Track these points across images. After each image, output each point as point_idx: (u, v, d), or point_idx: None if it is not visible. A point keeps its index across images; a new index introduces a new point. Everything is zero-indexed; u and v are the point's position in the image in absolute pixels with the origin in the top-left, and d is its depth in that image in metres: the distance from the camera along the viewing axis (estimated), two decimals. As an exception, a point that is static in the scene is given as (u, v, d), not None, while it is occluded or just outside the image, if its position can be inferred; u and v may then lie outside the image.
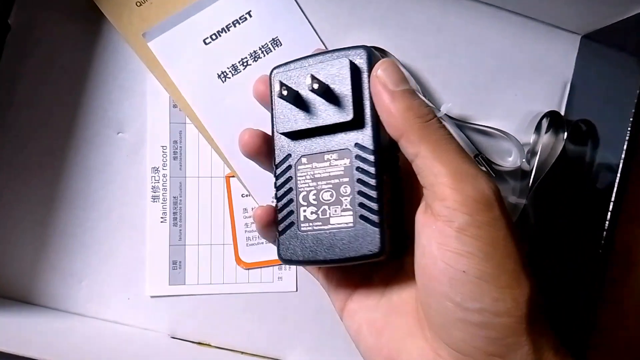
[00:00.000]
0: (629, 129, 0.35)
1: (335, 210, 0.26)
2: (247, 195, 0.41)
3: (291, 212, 0.27)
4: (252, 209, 0.41)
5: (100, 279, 0.40)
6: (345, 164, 0.26)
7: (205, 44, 0.40)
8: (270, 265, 0.40)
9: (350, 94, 0.25)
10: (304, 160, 0.27)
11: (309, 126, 0.26)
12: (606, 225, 0.35)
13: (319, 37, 0.40)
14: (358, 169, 0.25)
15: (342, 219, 0.26)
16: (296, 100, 0.26)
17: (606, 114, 0.38)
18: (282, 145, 0.27)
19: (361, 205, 0.25)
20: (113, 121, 0.40)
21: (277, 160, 0.27)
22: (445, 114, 0.40)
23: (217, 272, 0.40)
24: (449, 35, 0.41)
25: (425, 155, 0.24)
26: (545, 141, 0.40)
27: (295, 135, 0.27)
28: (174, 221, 0.40)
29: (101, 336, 0.39)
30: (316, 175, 0.26)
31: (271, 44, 0.40)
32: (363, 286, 0.29)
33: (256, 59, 0.40)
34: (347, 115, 0.25)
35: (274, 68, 0.28)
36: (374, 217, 0.25)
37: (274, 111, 0.27)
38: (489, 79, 0.41)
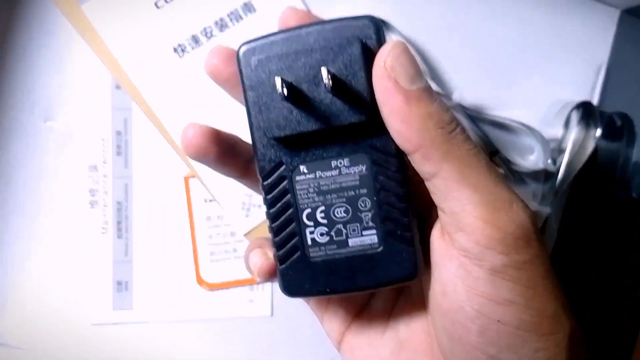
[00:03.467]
0: None
1: (354, 230, 0.24)
2: (211, 200, 0.37)
3: (293, 235, 0.24)
4: (219, 217, 0.37)
5: (27, 305, 0.37)
6: (360, 171, 0.23)
7: (157, 7, 0.36)
8: (240, 286, 0.38)
9: (366, 88, 0.22)
10: (303, 169, 0.24)
11: (315, 128, 0.23)
12: None
13: (304, 2, 0.37)
14: (379, 176, 0.23)
15: (364, 239, 0.24)
16: (296, 97, 0.23)
17: None
18: (270, 151, 0.24)
19: (387, 220, 0.23)
20: (39, 106, 0.37)
21: (265, 170, 0.24)
22: (458, 103, 0.36)
23: (173, 295, 0.37)
24: (464, 3, 0.37)
25: (449, 176, 0.21)
26: (575, 137, 0.37)
27: (292, 140, 0.24)
28: (118, 232, 0.37)
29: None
30: (323, 187, 0.24)
31: (242, 9, 0.37)
32: (363, 314, 0.27)
33: (222, 28, 0.37)
34: (361, 115, 0.22)
35: (245, 44, 0.23)
36: (406, 234, 0.23)
37: (256, 106, 0.23)
38: (509, 59, 0.38)
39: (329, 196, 0.24)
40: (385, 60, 0.21)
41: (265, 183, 0.24)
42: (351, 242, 0.24)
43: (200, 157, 0.26)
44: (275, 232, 0.25)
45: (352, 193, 0.24)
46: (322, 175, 0.24)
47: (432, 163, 0.21)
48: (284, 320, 0.38)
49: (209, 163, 0.26)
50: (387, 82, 0.21)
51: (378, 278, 0.24)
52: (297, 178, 0.24)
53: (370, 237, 0.24)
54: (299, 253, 0.24)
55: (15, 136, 0.36)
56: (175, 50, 0.36)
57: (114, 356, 0.37)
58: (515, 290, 0.21)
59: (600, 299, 0.35)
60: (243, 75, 0.24)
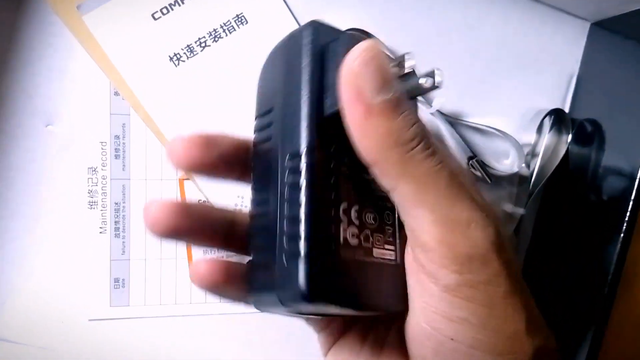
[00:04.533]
0: None
1: (379, 240, 0.21)
2: (204, 201, 0.37)
3: (328, 223, 0.19)
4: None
5: (26, 299, 0.36)
6: None
7: (154, 18, 0.36)
8: (232, 283, 0.36)
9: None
10: (347, 159, 0.21)
11: None
12: (620, 239, 0.33)
13: (293, 15, 0.37)
14: None
15: (386, 252, 0.22)
16: None
17: (616, 113, 0.37)
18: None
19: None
20: (40, 111, 0.37)
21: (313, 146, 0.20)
22: (438, 110, 0.37)
23: (168, 292, 0.37)
24: (442, 17, 0.38)
25: (405, 194, 0.20)
26: (547, 142, 0.38)
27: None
28: (116, 232, 0.37)
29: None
30: (361, 184, 0.21)
31: (235, 21, 0.37)
32: (352, 328, 0.26)
33: (216, 39, 0.37)
34: None
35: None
36: None
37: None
38: (486, 70, 0.38)
39: (364, 198, 0.21)
40: (353, 62, 0.19)
41: (311, 156, 0.20)
42: (375, 251, 0.21)
43: (170, 236, 0.22)
44: (309, 218, 0.19)
45: (381, 204, 0.22)
46: (363, 175, 0.21)
47: (389, 179, 0.20)
48: (277, 315, 0.38)
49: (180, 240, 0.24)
50: (350, 90, 0.19)
51: (394, 301, 0.21)
52: (342, 168, 0.21)
53: (390, 252, 0.22)
54: (331, 247, 0.19)
55: (17, 140, 0.36)
56: (171, 59, 0.36)
57: (110, 350, 0.37)
58: (470, 308, 0.20)
59: (570, 295, 0.35)
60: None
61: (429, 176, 0.20)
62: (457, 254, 0.19)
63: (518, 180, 0.38)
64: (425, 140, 0.20)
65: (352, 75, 0.19)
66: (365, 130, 0.19)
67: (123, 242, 0.37)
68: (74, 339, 0.37)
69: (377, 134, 0.19)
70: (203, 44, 0.36)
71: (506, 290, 0.20)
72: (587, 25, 0.38)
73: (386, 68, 0.19)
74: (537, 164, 0.37)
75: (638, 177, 0.33)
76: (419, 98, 0.36)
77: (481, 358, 0.20)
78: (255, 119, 0.23)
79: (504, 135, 0.38)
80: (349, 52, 0.19)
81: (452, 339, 0.20)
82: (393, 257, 0.22)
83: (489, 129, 0.38)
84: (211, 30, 0.36)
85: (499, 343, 0.20)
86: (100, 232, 0.36)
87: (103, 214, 0.36)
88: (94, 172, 0.36)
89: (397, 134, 0.19)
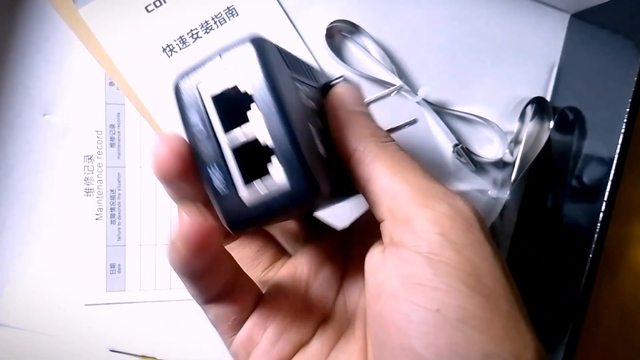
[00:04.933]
0: (625, 119, 0.33)
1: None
2: None
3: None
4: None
5: (24, 285, 0.37)
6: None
7: (148, 11, 0.36)
8: (225, 268, 0.37)
9: None
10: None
11: None
12: (598, 224, 0.33)
13: (282, 7, 0.37)
14: None
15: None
16: None
17: (595, 101, 0.37)
18: None
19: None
20: (37, 101, 0.37)
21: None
22: (423, 99, 0.37)
23: (163, 277, 0.37)
24: (427, 9, 0.38)
25: (381, 175, 0.20)
26: (530, 130, 0.39)
27: None
28: (112, 218, 0.37)
29: (28, 349, 0.36)
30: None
31: (226, 13, 0.37)
32: (302, 354, 0.23)
33: (208, 30, 0.37)
34: None
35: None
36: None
37: None
38: (470, 59, 0.39)
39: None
40: (337, 89, 0.23)
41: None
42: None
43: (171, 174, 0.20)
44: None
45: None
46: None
47: (365, 166, 0.21)
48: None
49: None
50: (337, 109, 0.22)
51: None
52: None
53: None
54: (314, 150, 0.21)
55: (16, 130, 0.36)
56: (164, 50, 0.36)
57: (106, 334, 0.37)
58: (455, 275, 0.17)
59: (554, 281, 0.35)
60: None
61: (403, 160, 0.21)
62: (439, 215, 0.19)
63: (502, 166, 0.39)
64: (396, 143, 0.22)
65: (337, 94, 0.23)
66: (347, 122, 0.22)
67: (119, 229, 0.37)
68: (71, 323, 0.37)
69: (357, 126, 0.21)
70: (195, 36, 0.36)
71: (492, 264, 0.18)
72: (567, 16, 0.39)
73: (361, 95, 0.24)
74: (520, 150, 0.38)
75: (615, 161, 0.33)
76: (405, 87, 0.37)
77: (473, 338, 0.17)
78: None
79: (488, 123, 0.38)
80: (334, 87, 0.23)
81: (437, 310, 0.17)
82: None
83: (473, 117, 0.38)
84: (203, 22, 0.36)
85: (494, 320, 0.17)
86: (97, 219, 0.37)
87: (99, 201, 0.37)
88: (89, 160, 0.37)
89: (374, 129, 0.22)
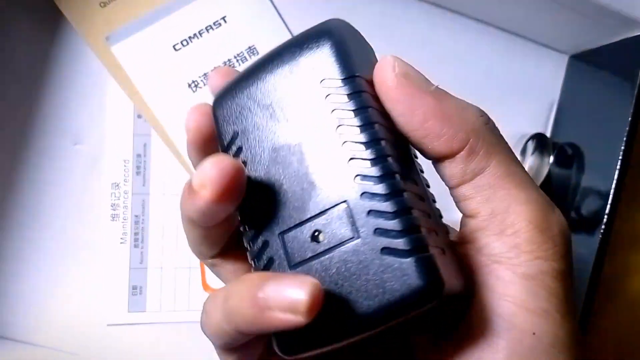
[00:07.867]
0: (621, 156, 0.34)
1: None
2: None
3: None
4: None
5: (52, 305, 0.38)
6: None
7: (175, 50, 0.38)
8: (241, 291, 0.38)
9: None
10: None
11: None
12: (594, 255, 0.35)
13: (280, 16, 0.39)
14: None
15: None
16: None
17: (593, 138, 0.38)
18: None
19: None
20: (69, 131, 0.38)
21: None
22: None
23: (182, 298, 0.38)
24: (434, 49, 0.40)
25: (496, 172, 0.18)
26: (531, 164, 0.40)
27: None
28: (135, 242, 0.38)
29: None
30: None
31: (247, 52, 0.39)
32: None
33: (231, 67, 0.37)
34: None
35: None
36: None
37: None
38: (475, 98, 0.37)
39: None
40: (393, 71, 0.18)
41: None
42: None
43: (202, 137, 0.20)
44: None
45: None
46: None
47: (480, 158, 0.18)
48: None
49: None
50: (407, 88, 0.18)
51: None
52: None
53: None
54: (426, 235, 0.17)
55: (48, 158, 0.37)
56: (189, 85, 0.38)
57: (127, 354, 0.38)
58: (551, 301, 0.17)
59: None
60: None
61: (512, 152, 0.18)
62: (545, 238, 0.17)
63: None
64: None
65: (400, 78, 0.18)
66: (445, 114, 0.18)
67: (141, 252, 0.38)
68: (94, 342, 0.38)
69: (457, 112, 0.18)
70: (218, 73, 0.39)
71: (569, 290, 0.18)
72: (566, 57, 0.41)
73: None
74: (522, 183, 0.39)
75: (611, 195, 0.35)
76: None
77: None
78: None
79: (492, 156, 0.40)
80: (377, 70, 0.18)
81: (534, 334, 0.17)
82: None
83: (477, 151, 0.40)
84: (226, 60, 0.38)
85: (573, 347, 0.17)
86: (121, 242, 0.38)
87: (124, 226, 0.38)
88: (116, 187, 0.38)
89: (470, 107, 0.18)
